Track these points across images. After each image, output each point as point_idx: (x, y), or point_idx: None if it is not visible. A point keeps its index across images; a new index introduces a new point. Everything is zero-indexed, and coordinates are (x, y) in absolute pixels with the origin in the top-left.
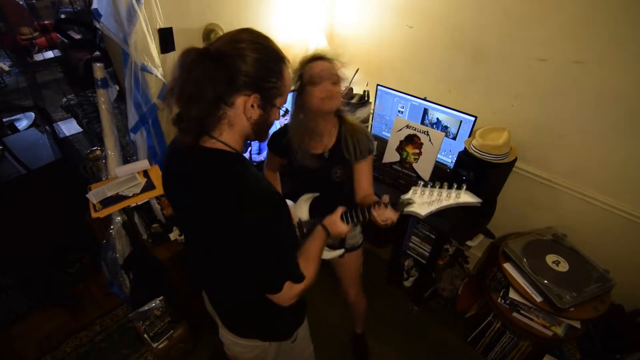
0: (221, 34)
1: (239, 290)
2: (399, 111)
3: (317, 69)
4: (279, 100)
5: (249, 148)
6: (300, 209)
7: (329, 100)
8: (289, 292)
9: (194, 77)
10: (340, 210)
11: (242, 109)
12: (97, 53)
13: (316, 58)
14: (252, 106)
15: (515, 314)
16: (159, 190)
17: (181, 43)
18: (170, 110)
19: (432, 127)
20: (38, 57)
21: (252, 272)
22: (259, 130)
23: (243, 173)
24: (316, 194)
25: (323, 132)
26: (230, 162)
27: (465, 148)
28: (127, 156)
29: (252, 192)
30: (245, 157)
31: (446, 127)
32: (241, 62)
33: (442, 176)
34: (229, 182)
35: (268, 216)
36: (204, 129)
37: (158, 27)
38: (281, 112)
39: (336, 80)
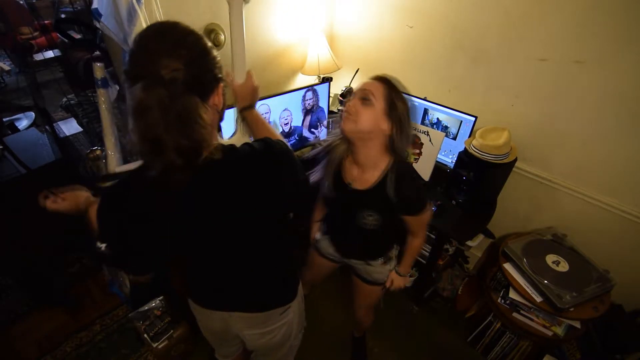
0: (221, 33)
1: (274, 256)
2: None
3: (362, 84)
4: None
5: None
6: None
7: (345, 119)
8: None
9: (181, 103)
10: None
11: (213, 105)
12: (97, 53)
13: (376, 77)
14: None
15: (515, 314)
16: None
17: None
18: None
19: (432, 127)
20: (38, 57)
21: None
22: (223, 113)
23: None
24: None
25: (364, 160)
26: (232, 149)
27: (465, 148)
28: (127, 156)
29: (263, 148)
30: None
31: (446, 127)
32: (201, 59)
33: (442, 176)
34: (249, 160)
35: (287, 148)
36: (200, 151)
37: None
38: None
39: (368, 99)
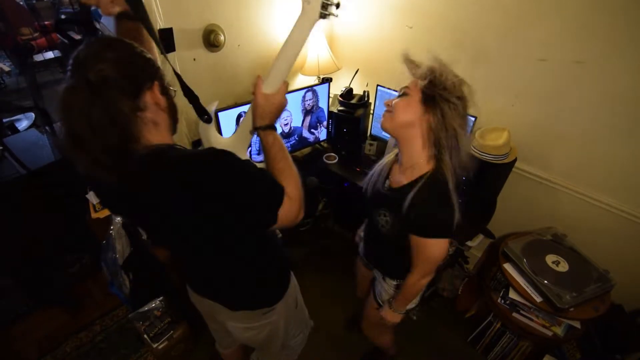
0: (221, 34)
1: (238, 261)
2: None
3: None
4: (161, 75)
5: (249, 149)
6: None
7: (383, 116)
8: (290, 209)
9: (104, 101)
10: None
11: (153, 103)
12: None
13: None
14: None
15: (515, 314)
16: None
17: (181, 43)
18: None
19: None
20: (38, 57)
21: (245, 225)
22: (174, 115)
23: (184, 152)
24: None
25: (406, 160)
26: (176, 153)
27: None
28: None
29: (200, 156)
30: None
31: None
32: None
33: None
34: (186, 166)
35: (222, 161)
36: (129, 151)
37: (158, 28)
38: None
39: (405, 93)
